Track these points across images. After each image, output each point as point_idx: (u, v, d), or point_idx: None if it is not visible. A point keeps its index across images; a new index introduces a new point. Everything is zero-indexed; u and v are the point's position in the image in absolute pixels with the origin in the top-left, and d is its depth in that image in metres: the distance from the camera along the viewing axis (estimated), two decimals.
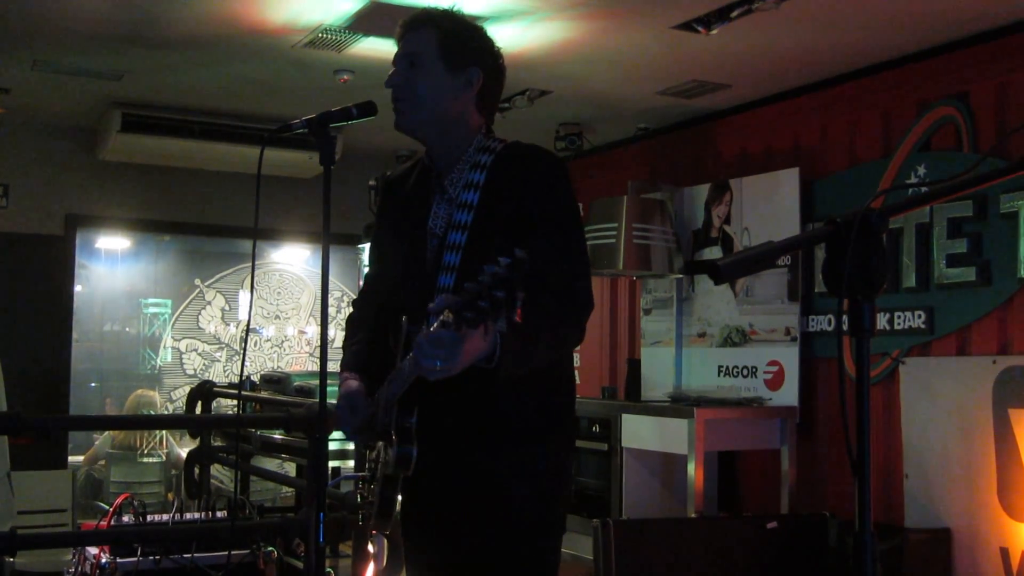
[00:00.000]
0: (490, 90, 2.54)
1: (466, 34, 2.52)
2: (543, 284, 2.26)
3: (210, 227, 7.93)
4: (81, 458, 7.99)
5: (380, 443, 2.46)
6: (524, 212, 2.36)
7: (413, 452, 2.33)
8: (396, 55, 2.53)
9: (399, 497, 2.47)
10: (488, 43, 2.55)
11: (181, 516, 4.20)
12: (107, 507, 4.24)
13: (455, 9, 2.57)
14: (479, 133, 2.52)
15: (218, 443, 6.63)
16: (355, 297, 2.84)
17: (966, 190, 1.79)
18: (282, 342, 9.25)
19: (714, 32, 4.73)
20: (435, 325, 2.02)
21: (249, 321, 6.98)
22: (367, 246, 7.36)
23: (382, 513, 2.44)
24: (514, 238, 2.29)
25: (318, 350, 8.51)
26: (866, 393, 1.67)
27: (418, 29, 2.51)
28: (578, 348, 6.94)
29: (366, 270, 7.86)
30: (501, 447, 2.40)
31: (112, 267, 8.97)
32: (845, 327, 1.72)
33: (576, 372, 6.86)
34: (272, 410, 6.08)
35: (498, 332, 2.11)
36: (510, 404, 2.39)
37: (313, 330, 9.28)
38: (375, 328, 2.60)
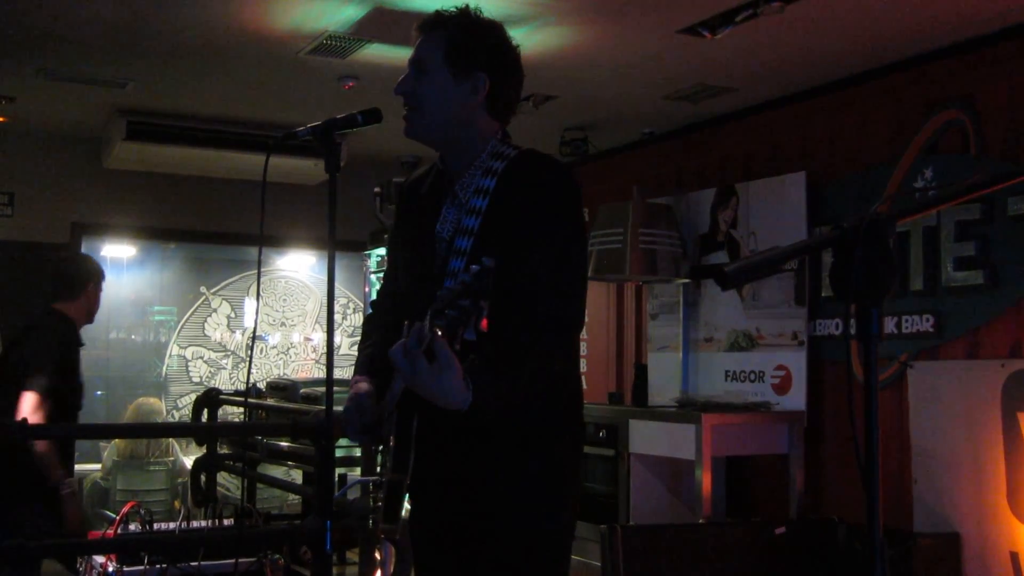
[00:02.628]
0: (501, 94, 2.51)
1: (476, 38, 2.48)
2: (531, 304, 2.24)
3: (216, 234, 7.94)
4: (87, 467, 7.98)
5: (387, 448, 2.46)
6: (524, 222, 2.34)
7: (411, 457, 2.32)
8: (409, 58, 2.52)
9: (405, 502, 2.46)
10: (499, 45, 2.51)
11: (188, 524, 4.20)
12: (114, 515, 4.23)
13: (472, 8, 2.53)
14: (494, 138, 2.50)
15: (224, 451, 6.62)
16: (371, 300, 2.83)
17: (975, 194, 1.78)
18: (288, 349, 9.26)
19: (719, 36, 4.72)
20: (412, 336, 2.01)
21: (255, 328, 6.95)
22: (373, 252, 7.39)
23: (388, 518, 2.44)
24: (514, 246, 2.28)
25: (324, 357, 8.51)
26: (874, 398, 1.66)
27: (429, 33, 2.49)
28: (584, 353, 6.97)
29: (372, 276, 7.85)
30: (504, 452, 2.39)
31: (118, 275, 8.97)
32: (853, 332, 1.71)
33: (583, 378, 6.86)
34: (278, 417, 6.07)
35: (472, 384, 2.08)
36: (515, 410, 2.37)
37: (319, 337, 9.28)
38: (386, 333, 2.59)
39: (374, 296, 2.95)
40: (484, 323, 1.91)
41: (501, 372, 2.16)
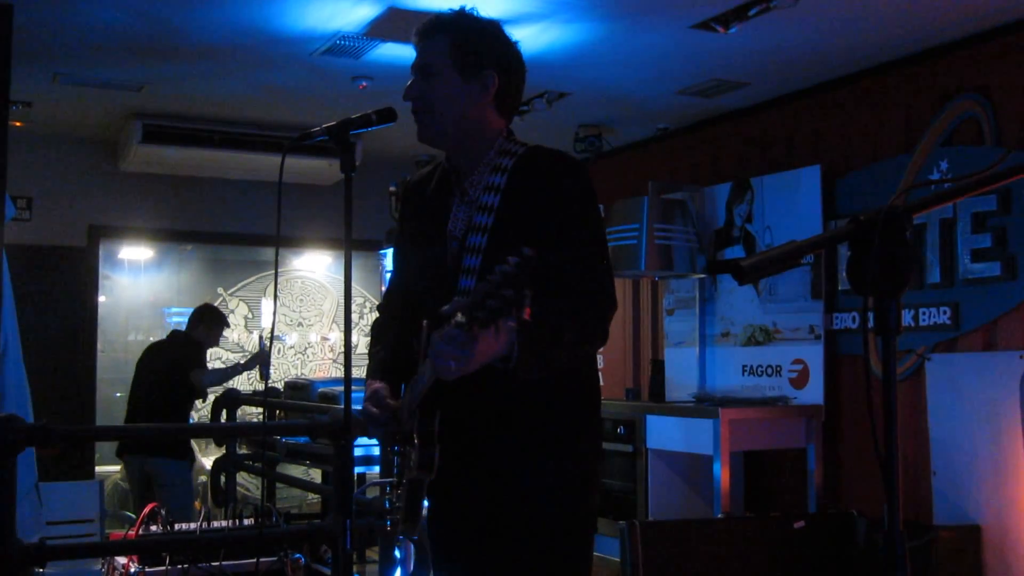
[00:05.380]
0: (508, 91, 2.51)
1: (479, 37, 2.49)
2: (564, 287, 2.26)
3: (232, 236, 7.97)
4: (107, 468, 8.02)
5: (407, 447, 2.46)
6: (543, 217, 2.35)
7: (435, 455, 2.33)
8: (413, 64, 2.52)
9: (425, 501, 2.46)
10: (503, 43, 2.52)
11: (208, 524, 4.21)
12: (135, 516, 4.26)
13: (469, 10, 2.54)
14: (500, 136, 2.51)
15: (243, 451, 6.65)
16: (379, 302, 2.83)
17: (991, 185, 1.77)
18: (305, 349, 9.27)
19: (733, 30, 4.71)
20: (449, 326, 2.02)
21: (273, 329, 6.97)
22: (388, 252, 7.40)
23: (408, 517, 2.44)
24: (534, 241, 2.29)
25: (341, 356, 8.52)
26: (893, 392, 1.66)
27: (431, 37, 2.49)
28: (601, 350, 6.96)
29: (388, 275, 7.89)
30: (527, 451, 2.40)
31: (135, 277, 9.01)
32: (871, 325, 1.71)
33: (600, 374, 6.85)
34: (297, 417, 6.09)
35: (515, 333, 2.10)
36: (535, 408, 2.38)
37: (336, 336, 9.30)
38: (400, 333, 2.59)
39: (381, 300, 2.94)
40: (527, 312, 1.91)
41: (539, 335, 2.17)
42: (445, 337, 2.03)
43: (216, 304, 9.11)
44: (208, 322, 6.95)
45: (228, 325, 7.24)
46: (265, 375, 7.11)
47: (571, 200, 2.38)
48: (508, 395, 2.31)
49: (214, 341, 7.05)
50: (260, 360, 6.90)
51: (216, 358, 9.02)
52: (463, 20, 2.50)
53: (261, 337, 7.98)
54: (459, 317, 1.96)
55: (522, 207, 2.39)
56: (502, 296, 1.87)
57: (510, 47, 2.52)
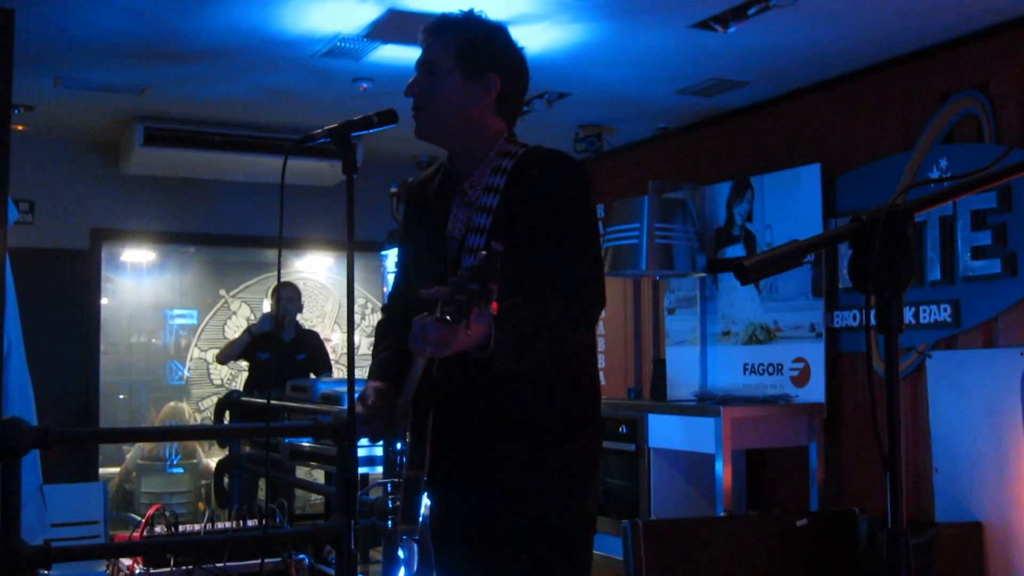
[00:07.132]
0: (510, 94, 2.53)
1: (484, 39, 2.51)
2: (549, 281, 2.28)
3: (234, 237, 7.98)
4: (111, 470, 8.03)
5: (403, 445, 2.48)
6: (535, 214, 2.37)
7: (427, 453, 2.34)
8: (417, 61, 2.53)
9: (424, 500, 2.47)
10: (507, 46, 2.54)
11: (212, 526, 4.23)
12: (139, 518, 4.27)
13: (476, 12, 2.55)
14: (501, 137, 2.52)
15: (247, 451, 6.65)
16: (383, 303, 2.84)
17: (991, 183, 1.78)
18: None
19: (732, 30, 4.72)
20: (426, 316, 2.07)
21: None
22: (389, 253, 7.41)
23: (407, 516, 2.45)
24: (531, 241, 2.31)
25: (343, 357, 8.52)
26: (895, 389, 1.67)
27: (437, 36, 2.51)
28: (603, 349, 6.97)
29: (390, 276, 7.92)
30: (527, 450, 2.41)
31: (138, 279, 9.03)
32: (873, 323, 1.72)
33: (601, 373, 6.87)
34: (300, 418, 6.10)
35: (492, 323, 2.12)
36: (534, 406, 2.39)
37: (338, 337, 9.30)
38: (402, 333, 2.60)
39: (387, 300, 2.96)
40: (495, 306, 1.94)
41: (517, 325, 2.19)
42: (422, 322, 2.08)
43: (218, 307, 9.15)
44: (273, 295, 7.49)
45: (276, 286, 7.50)
46: (278, 320, 7.22)
47: (560, 195, 2.40)
48: (504, 392, 2.32)
49: (278, 308, 7.28)
50: (265, 317, 7.19)
51: None
52: (470, 22, 2.52)
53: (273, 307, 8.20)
54: (436, 311, 2.01)
55: (520, 207, 2.40)
56: (469, 291, 1.90)
57: (515, 51, 2.54)
